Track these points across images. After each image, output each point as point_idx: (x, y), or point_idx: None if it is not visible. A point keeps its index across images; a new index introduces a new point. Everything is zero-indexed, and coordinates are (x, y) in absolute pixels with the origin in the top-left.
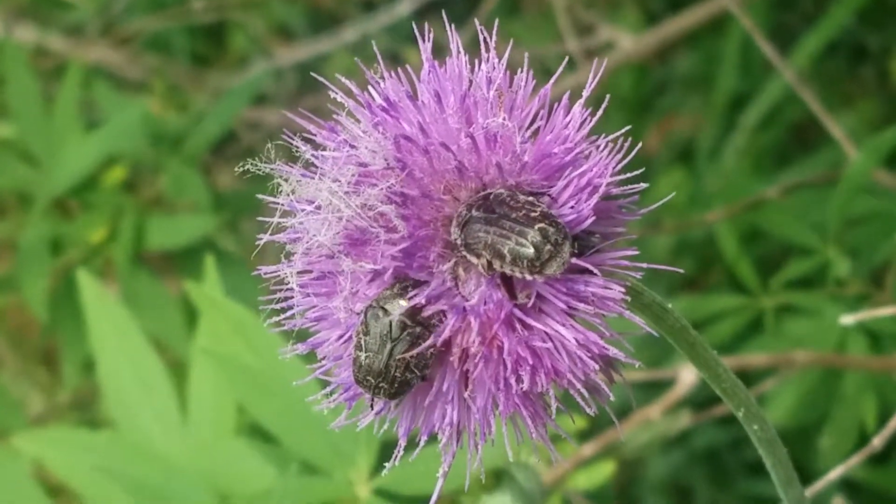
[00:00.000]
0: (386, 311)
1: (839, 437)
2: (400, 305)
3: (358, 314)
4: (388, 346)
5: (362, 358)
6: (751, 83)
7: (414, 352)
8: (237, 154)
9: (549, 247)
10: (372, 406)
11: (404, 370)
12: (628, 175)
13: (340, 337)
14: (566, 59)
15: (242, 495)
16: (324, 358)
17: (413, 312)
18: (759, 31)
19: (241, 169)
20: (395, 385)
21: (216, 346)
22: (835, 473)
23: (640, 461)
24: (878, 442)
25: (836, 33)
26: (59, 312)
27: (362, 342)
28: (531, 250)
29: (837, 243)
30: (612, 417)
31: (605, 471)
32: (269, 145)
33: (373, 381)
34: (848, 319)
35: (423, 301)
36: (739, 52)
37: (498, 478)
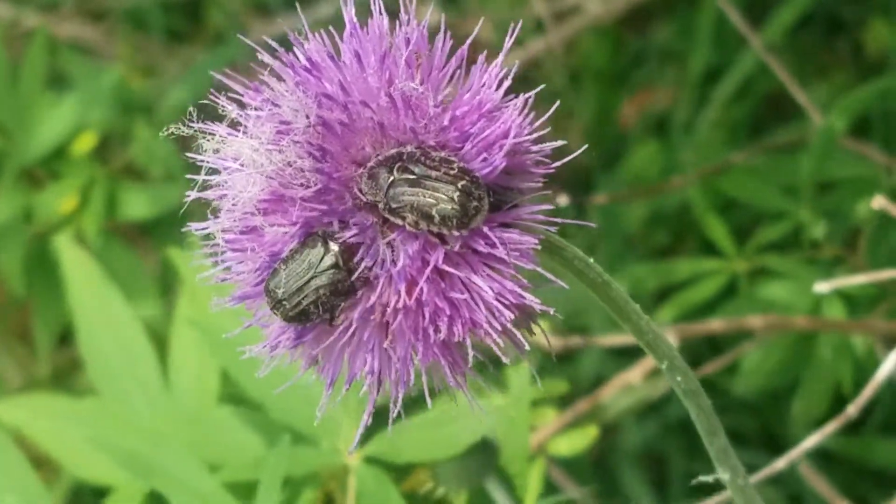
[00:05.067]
0: (325, 244)
1: (810, 403)
2: (338, 246)
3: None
4: (310, 273)
5: (281, 270)
6: (726, 55)
7: (328, 292)
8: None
9: (474, 203)
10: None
11: (311, 302)
12: (540, 133)
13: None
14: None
15: (232, 465)
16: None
17: (346, 257)
18: (733, 2)
19: (167, 132)
20: (296, 310)
21: (198, 313)
22: (811, 441)
23: (614, 431)
24: (853, 410)
25: (811, 5)
26: (30, 283)
27: (289, 259)
28: (458, 208)
29: (810, 206)
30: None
31: (587, 436)
32: (191, 108)
33: (278, 294)
34: (823, 287)
35: (356, 249)
36: (714, 24)
37: None
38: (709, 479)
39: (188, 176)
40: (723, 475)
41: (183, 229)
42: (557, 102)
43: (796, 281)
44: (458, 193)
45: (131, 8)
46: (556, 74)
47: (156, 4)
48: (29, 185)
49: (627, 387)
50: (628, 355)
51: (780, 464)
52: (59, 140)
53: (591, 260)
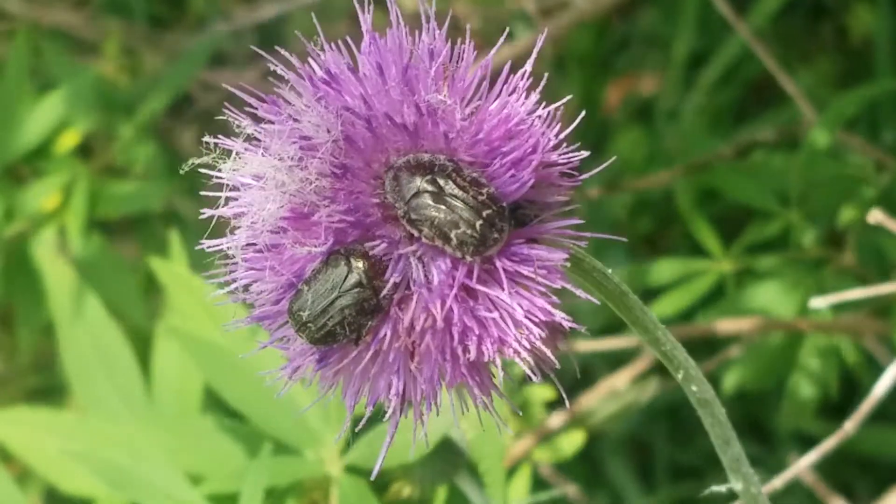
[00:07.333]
0: (348, 262)
1: (797, 407)
2: (362, 264)
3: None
4: (335, 293)
5: (305, 291)
6: (711, 41)
7: (354, 311)
8: (197, 117)
9: (494, 235)
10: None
11: (337, 323)
12: (569, 146)
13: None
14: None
15: (214, 475)
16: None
17: (371, 275)
18: None
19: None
20: (322, 332)
21: (183, 323)
22: (808, 459)
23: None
24: (850, 426)
25: None
26: (12, 280)
27: (312, 279)
28: (478, 237)
29: (799, 208)
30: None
31: (573, 441)
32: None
33: (303, 317)
34: (818, 303)
35: (381, 267)
36: (698, 9)
37: None
38: (721, 489)
39: (202, 192)
40: (735, 485)
41: (196, 246)
42: (569, 108)
43: (783, 281)
44: (480, 222)
45: None
46: (540, 61)
47: None
48: (12, 182)
49: (614, 392)
50: (610, 353)
51: (778, 482)
52: (42, 137)
53: (610, 271)
